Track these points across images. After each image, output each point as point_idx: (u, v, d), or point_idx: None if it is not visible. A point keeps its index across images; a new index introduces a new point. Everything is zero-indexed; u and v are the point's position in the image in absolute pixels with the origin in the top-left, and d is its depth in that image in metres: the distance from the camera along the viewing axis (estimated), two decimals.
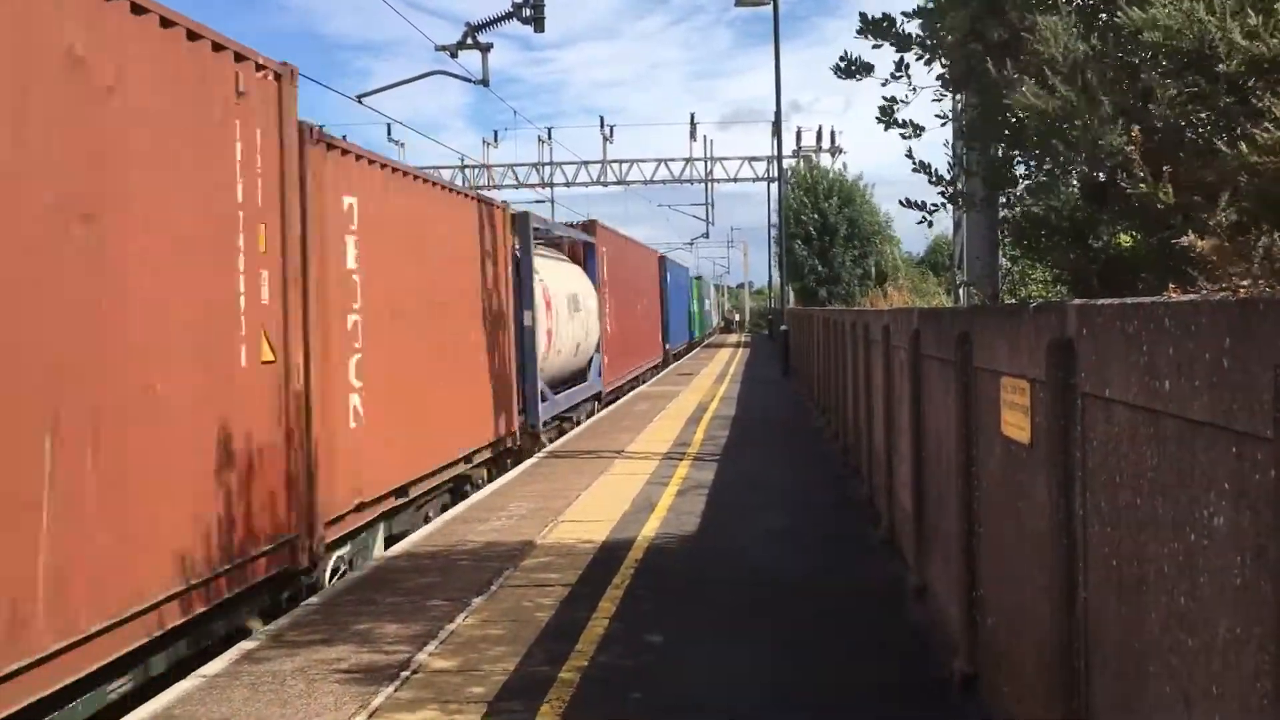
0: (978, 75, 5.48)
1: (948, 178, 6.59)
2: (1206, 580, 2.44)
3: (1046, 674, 3.73)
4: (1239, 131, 3.70)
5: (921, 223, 6.89)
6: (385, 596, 8.10)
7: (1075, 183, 6.05)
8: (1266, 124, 3.52)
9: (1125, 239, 5.60)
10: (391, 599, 8.01)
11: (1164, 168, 3.94)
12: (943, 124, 6.83)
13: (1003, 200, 7.05)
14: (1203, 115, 4.15)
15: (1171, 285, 3.33)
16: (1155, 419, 2.73)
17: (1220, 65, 3.72)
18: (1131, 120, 4.13)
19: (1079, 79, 4.19)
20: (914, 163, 6.37)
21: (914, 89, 6.08)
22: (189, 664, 6.82)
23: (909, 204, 6.74)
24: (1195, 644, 2.51)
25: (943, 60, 5.90)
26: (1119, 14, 3.97)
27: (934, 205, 6.67)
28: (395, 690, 5.99)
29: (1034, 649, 4.05)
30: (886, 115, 6.18)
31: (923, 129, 6.35)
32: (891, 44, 5.96)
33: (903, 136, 6.31)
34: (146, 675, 6.55)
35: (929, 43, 5.84)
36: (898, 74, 6.04)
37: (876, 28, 5.91)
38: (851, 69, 6.13)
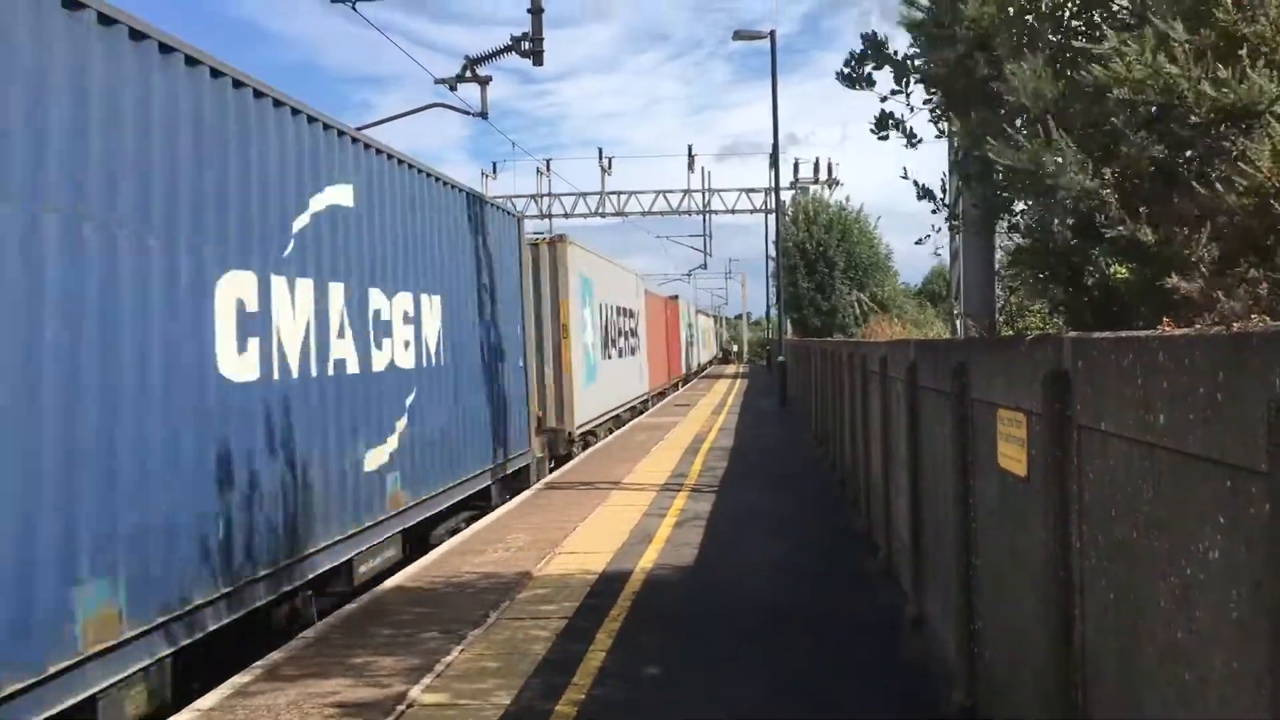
0: (966, 111, 5.50)
1: (944, 199, 6.58)
2: (1203, 614, 2.43)
3: (1044, 707, 3.70)
4: (1214, 175, 3.75)
5: (920, 242, 6.86)
6: (381, 629, 8.05)
7: (1069, 219, 6.06)
8: (1242, 165, 3.56)
9: (1121, 271, 5.61)
10: (387, 631, 7.96)
11: (1139, 208, 3.98)
12: (938, 136, 6.83)
13: (1000, 230, 7.08)
14: (1173, 158, 4.20)
15: (1165, 319, 3.35)
16: (1151, 452, 2.73)
17: (1192, 117, 3.79)
18: (1101, 164, 4.19)
19: (1042, 128, 4.27)
20: (916, 187, 6.34)
21: (911, 108, 6.09)
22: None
23: (920, 242, 6.79)
24: (1192, 678, 2.50)
25: (933, 90, 5.91)
26: (1083, 71, 4.03)
27: (932, 229, 6.69)
28: None
29: (1032, 682, 4.03)
30: (882, 126, 6.17)
31: (919, 139, 6.31)
32: (890, 69, 5.95)
33: (909, 142, 6.25)
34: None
35: (924, 67, 5.84)
36: (897, 90, 6.05)
37: (877, 52, 5.91)
38: (854, 78, 6.14)
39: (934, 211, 6.54)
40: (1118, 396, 2.95)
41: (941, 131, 6.71)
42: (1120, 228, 3.99)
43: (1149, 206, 4.01)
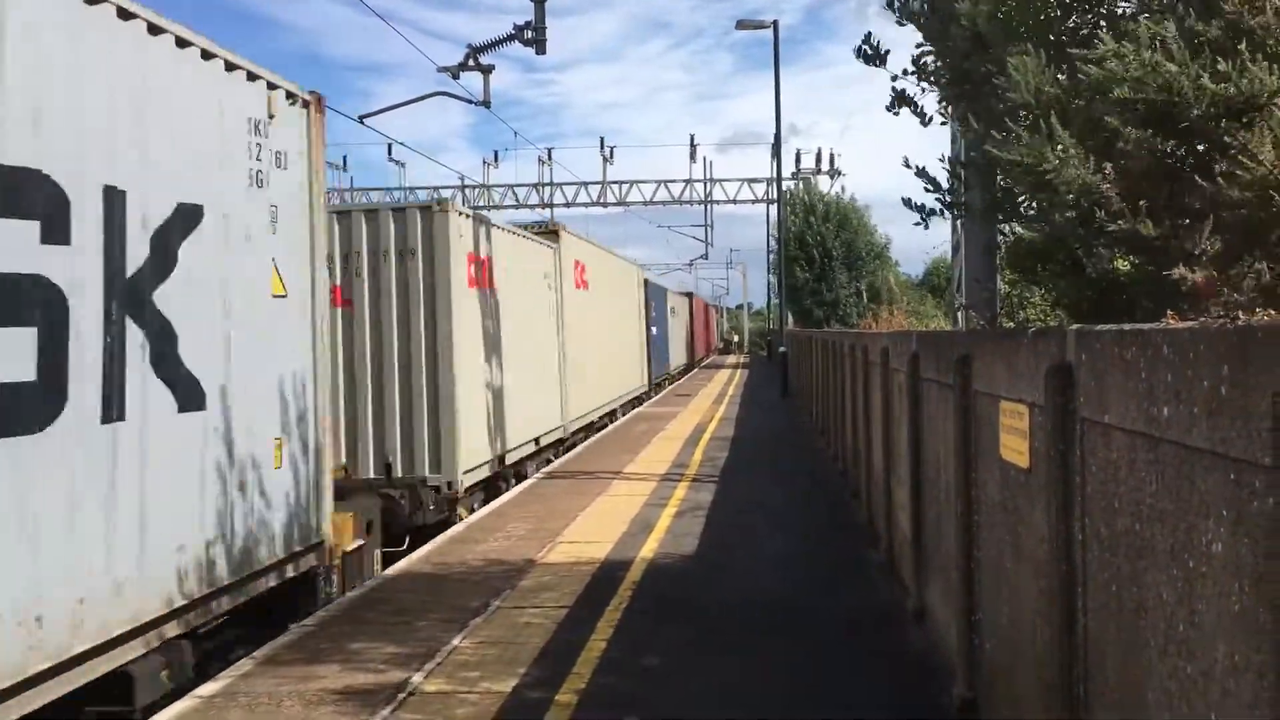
0: (969, 106, 5.51)
1: (947, 187, 6.57)
2: (1205, 607, 2.44)
3: (1046, 699, 3.72)
4: (1217, 170, 3.75)
5: (918, 224, 6.78)
6: (383, 616, 8.08)
7: (1069, 213, 6.06)
8: (1243, 159, 3.56)
9: (1123, 264, 5.62)
10: (389, 619, 7.99)
11: (1140, 202, 3.97)
12: (943, 124, 6.82)
13: (1001, 225, 7.07)
14: (1174, 152, 4.19)
15: (1170, 312, 3.35)
16: (1154, 445, 2.74)
17: (1193, 111, 3.78)
18: (1102, 159, 4.17)
19: (1044, 124, 4.25)
20: (920, 175, 6.33)
21: (923, 88, 6.12)
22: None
23: (909, 204, 6.70)
24: (1194, 671, 2.51)
25: (936, 83, 5.93)
26: (1081, 72, 4.01)
27: (933, 209, 6.64)
28: (391, 713, 5.97)
29: (1033, 674, 4.04)
30: (897, 103, 6.22)
31: (930, 117, 6.33)
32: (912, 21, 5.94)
33: (921, 121, 6.27)
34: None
35: (927, 63, 5.88)
36: (910, 71, 6.08)
37: (905, 9, 5.92)
38: (870, 55, 6.17)
39: (938, 202, 6.52)
40: (1121, 389, 2.96)
41: (946, 116, 6.71)
42: (1121, 222, 3.99)
43: (1150, 201, 4.01)
